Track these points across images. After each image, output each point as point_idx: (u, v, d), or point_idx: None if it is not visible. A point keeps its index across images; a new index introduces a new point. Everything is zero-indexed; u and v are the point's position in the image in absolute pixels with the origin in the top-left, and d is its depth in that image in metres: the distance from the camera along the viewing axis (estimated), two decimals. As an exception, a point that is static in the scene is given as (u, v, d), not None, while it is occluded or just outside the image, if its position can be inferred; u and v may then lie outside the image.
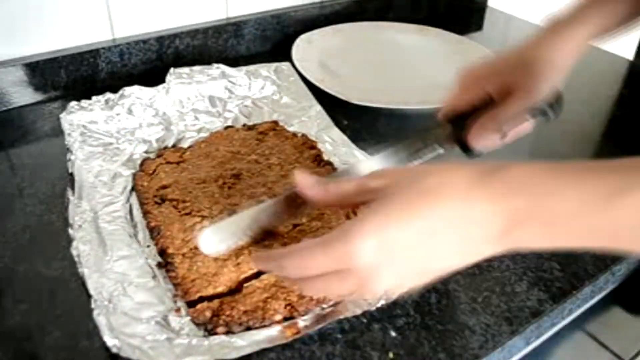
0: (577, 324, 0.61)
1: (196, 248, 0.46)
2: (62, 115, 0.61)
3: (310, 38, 0.84)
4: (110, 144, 0.59)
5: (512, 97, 0.49)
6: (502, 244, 0.34)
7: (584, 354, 0.66)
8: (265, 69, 0.73)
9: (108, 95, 0.63)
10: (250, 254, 0.46)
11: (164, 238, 0.47)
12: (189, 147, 0.60)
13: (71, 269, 0.45)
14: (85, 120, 0.61)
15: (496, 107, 0.49)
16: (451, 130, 0.49)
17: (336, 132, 0.63)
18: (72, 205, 0.50)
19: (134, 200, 0.53)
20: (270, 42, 0.86)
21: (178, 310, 0.42)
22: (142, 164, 0.57)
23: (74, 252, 0.45)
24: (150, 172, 0.56)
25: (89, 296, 0.41)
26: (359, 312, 0.42)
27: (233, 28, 0.82)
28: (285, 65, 0.75)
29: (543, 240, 0.33)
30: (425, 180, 0.35)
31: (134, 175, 0.55)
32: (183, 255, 0.46)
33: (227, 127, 0.64)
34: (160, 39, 0.76)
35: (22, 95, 0.69)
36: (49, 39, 0.70)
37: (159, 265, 0.46)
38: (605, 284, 0.51)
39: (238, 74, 0.71)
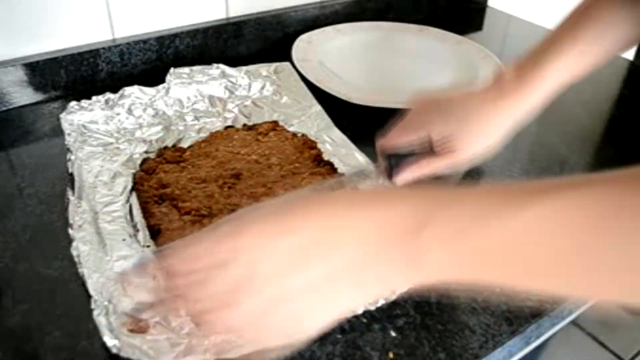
0: (577, 324, 0.61)
1: None
2: (62, 115, 0.61)
3: (310, 38, 0.84)
4: (110, 143, 0.59)
5: (449, 153, 0.51)
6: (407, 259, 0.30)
7: (584, 354, 0.66)
8: (265, 69, 0.73)
9: (108, 95, 0.63)
10: None
11: (163, 238, 0.47)
12: (189, 147, 0.60)
13: (71, 269, 0.45)
14: (85, 120, 0.61)
15: (431, 156, 0.52)
16: (385, 167, 0.53)
17: (336, 132, 0.63)
18: (72, 205, 0.50)
19: (133, 200, 0.53)
20: (270, 42, 0.86)
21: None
22: (142, 164, 0.57)
23: (74, 253, 0.45)
24: (150, 172, 0.56)
25: (89, 296, 0.41)
26: (359, 311, 0.42)
27: (233, 28, 0.82)
28: (285, 65, 0.75)
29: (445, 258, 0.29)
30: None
31: (134, 175, 0.55)
32: None
33: (227, 127, 0.64)
34: (160, 39, 0.76)
35: (22, 95, 0.69)
36: (49, 39, 0.70)
37: None
38: (605, 284, 0.51)
39: (238, 74, 0.71)
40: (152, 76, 0.69)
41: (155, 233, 0.48)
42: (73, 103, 0.62)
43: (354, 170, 0.54)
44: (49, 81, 0.70)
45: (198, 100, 0.67)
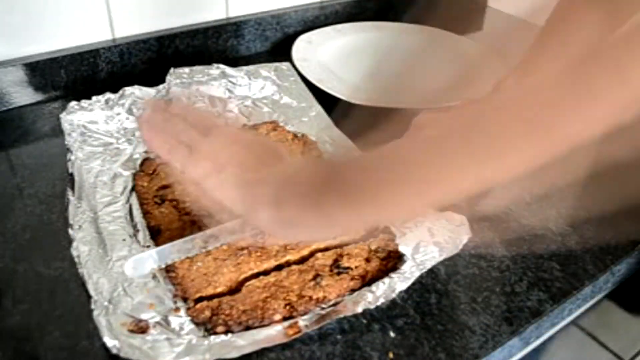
0: (577, 324, 0.61)
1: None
2: (62, 115, 0.61)
3: (310, 38, 0.84)
4: (110, 144, 0.59)
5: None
6: None
7: (584, 354, 0.66)
8: (265, 69, 0.73)
9: (108, 95, 0.63)
10: (250, 254, 0.46)
11: (163, 238, 0.47)
12: None
13: (71, 269, 0.45)
14: (86, 120, 0.61)
15: None
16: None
17: (336, 132, 0.63)
18: (72, 205, 0.50)
19: (134, 200, 0.53)
20: (270, 42, 0.86)
21: (178, 310, 0.42)
22: (142, 164, 0.57)
23: (74, 253, 0.45)
24: (150, 172, 0.55)
25: (89, 297, 0.41)
26: (359, 310, 0.42)
27: (233, 28, 0.82)
28: (285, 65, 0.75)
29: None
30: None
31: (134, 175, 0.55)
32: None
33: None
34: (160, 39, 0.76)
35: (22, 95, 0.69)
36: (49, 39, 0.70)
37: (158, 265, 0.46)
38: (605, 284, 0.51)
39: (238, 74, 0.71)
40: (152, 76, 0.69)
41: (155, 233, 0.48)
42: (73, 103, 0.62)
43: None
44: (49, 81, 0.70)
45: (198, 100, 0.67)
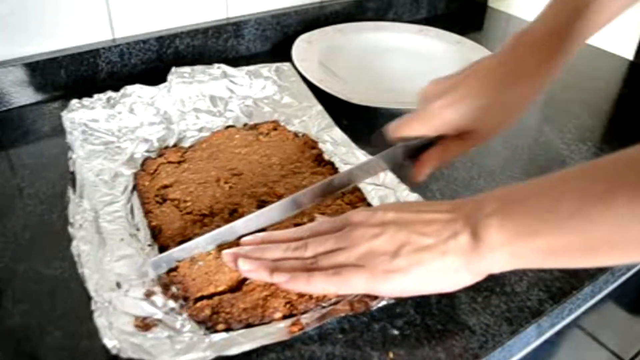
0: (577, 324, 0.61)
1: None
2: (64, 113, 0.61)
3: (310, 38, 0.84)
4: (112, 142, 0.59)
5: (467, 139, 0.49)
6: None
7: (584, 354, 0.66)
8: (266, 69, 0.73)
9: (110, 93, 0.63)
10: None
11: (164, 237, 0.47)
12: (190, 146, 0.60)
13: (71, 269, 0.45)
14: (87, 119, 0.61)
15: (448, 143, 0.50)
16: (402, 154, 0.51)
17: (337, 132, 0.63)
18: (72, 203, 0.50)
19: (135, 199, 0.53)
20: (270, 42, 0.86)
21: (179, 308, 0.42)
22: (143, 164, 0.57)
23: (74, 252, 0.45)
24: (152, 171, 0.56)
25: (89, 297, 0.41)
26: (360, 309, 0.42)
27: (233, 28, 0.82)
28: (286, 65, 0.75)
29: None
30: None
31: (135, 174, 0.55)
32: None
33: (228, 127, 0.64)
34: (160, 39, 0.76)
35: (22, 95, 0.69)
36: (49, 39, 0.70)
37: None
38: (605, 284, 0.51)
39: (239, 73, 0.71)
40: (152, 76, 0.69)
41: (156, 233, 0.48)
42: (74, 101, 0.62)
43: (360, 164, 0.53)
44: (49, 81, 0.70)
45: (199, 99, 0.67)
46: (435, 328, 0.42)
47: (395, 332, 0.42)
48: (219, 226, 0.48)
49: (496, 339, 0.42)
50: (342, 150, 0.60)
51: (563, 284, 0.47)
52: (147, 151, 0.59)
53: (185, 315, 0.41)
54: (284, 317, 0.42)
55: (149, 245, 0.48)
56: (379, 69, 0.81)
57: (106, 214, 0.50)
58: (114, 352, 0.37)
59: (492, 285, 0.46)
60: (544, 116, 0.72)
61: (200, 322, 0.41)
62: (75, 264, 0.45)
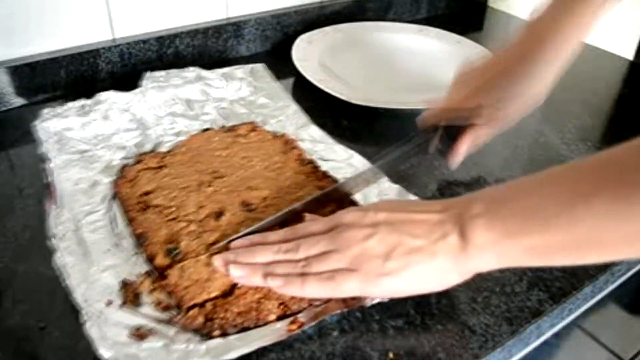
0: (577, 324, 0.61)
1: (186, 254, 0.46)
2: (37, 123, 0.59)
3: (310, 38, 0.84)
4: (87, 150, 0.58)
5: (496, 120, 0.53)
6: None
7: (584, 354, 0.66)
8: (240, 71, 0.73)
9: (83, 101, 0.62)
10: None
11: (152, 245, 0.47)
12: (169, 151, 0.59)
13: (71, 269, 0.45)
14: (61, 127, 0.60)
15: (477, 129, 0.53)
16: (442, 136, 0.52)
17: (314, 130, 0.63)
18: (52, 215, 0.49)
19: (115, 208, 0.52)
20: (270, 42, 0.86)
21: (171, 318, 0.41)
22: (122, 171, 0.56)
23: (58, 263, 0.44)
24: (132, 178, 0.54)
25: (77, 310, 0.41)
26: (356, 305, 0.42)
27: (233, 28, 0.82)
28: (260, 66, 0.75)
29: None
30: None
31: (114, 182, 0.54)
32: (172, 261, 0.45)
33: (205, 130, 0.63)
34: (160, 39, 0.76)
35: (22, 95, 0.69)
36: (49, 39, 0.70)
37: (147, 273, 0.45)
38: (605, 284, 0.51)
39: (214, 76, 0.70)
40: (152, 76, 0.69)
41: (142, 241, 0.47)
42: (47, 110, 0.61)
43: (355, 175, 0.54)
44: (49, 81, 0.70)
45: (175, 103, 0.66)
46: (435, 328, 0.42)
47: (395, 332, 0.42)
48: (206, 231, 0.48)
49: (496, 339, 0.42)
50: (321, 147, 0.60)
51: (563, 284, 0.47)
52: (125, 158, 0.58)
53: (179, 325, 0.41)
54: (279, 319, 0.41)
55: (135, 253, 0.47)
56: (379, 69, 0.81)
57: (88, 224, 0.49)
58: None
59: (492, 285, 0.46)
60: (544, 116, 0.72)
61: (195, 331, 0.40)
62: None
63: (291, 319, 0.41)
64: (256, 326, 0.41)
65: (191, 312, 0.41)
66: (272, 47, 0.87)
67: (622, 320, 0.68)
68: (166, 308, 0.42)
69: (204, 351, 0.38)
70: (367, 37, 0.88)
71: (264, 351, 0.40)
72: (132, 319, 0.41)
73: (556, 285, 0.47)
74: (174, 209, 0.50)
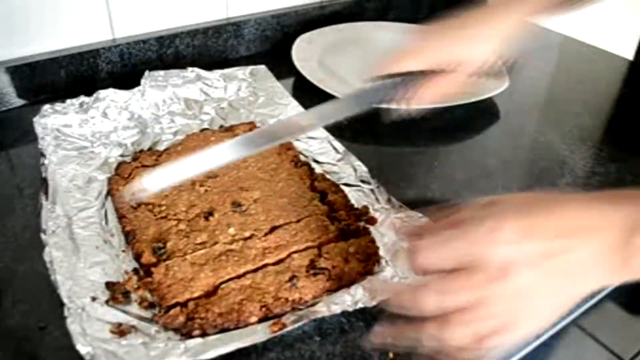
0: (577, 324, 0.61)
1: (172, 252, 0.46)
2: (36, 119, 0.60)
3: (310, 38, 0.84)
4: (85, 147, 0.58)
5: (455, 72, 0.52)
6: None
7: (584, 354, 0.66)
8: (241, 72, 0.73)
9: (82, 98, 0.63)
10: (228, 260, 0.45)
11: (139, 242, 0.47)
12: (165, 150, 0.59)
13: (71, 269, 0.45)
14: (60, 124, 0.60)
15: (439, 78, 0.52)
16: (399, 86, 0.53)
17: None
18: (45, 210, 0.49)
19: (109, 205, 0.52)
20: (270, 42, 0.86)
21: (153, 316, 0.41)
22: (117, 168, 0.56)
23: (47, 258, 0.44)
24: (126, 176, 0.55)
25: (62, 304, 0.41)
26: (337, 311, 0.41)
27: (233, 28, 0.82)
28: (260, 67, 0.74)
29: None
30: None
31: (110, 179, 0.54)
32: (158, 260, 0.45)
33: (203, 130, 0.63)
34: (160, 39, 0.76)
35: (23, 95, 0.69)
36: (49, 39, 0.70)
37: (135, 271, 0.45)
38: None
39: (213, 76, 0.71)
40: (152, 76, 0.69)
41: (130, 238, 0.48)
42: (47, 106, 0.61)
43: (328, 103, 0.52)
44: (49, 81, 0.70)
45: (174, 102, 0.66)
46: (435, 328, 0.42)
47: (395, 332, 0.42)
48: (194, 230, 0.48)
49: (496, 339, 0.42)
50: (318, 148, 0.61)
51: (563, 284, 0.47)
52: (122, 155, 0.58)
53: (160, 323, 0.41)
54: (260, 321, 0.41)
55: (123, 251, 0.47)
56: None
57: (80, 220, 0.49)
58: (87, 358, 0.37)
59: (492, 285, 0.46)
60: (544, 116, 0.72)
61: (175, 330, 0.40)
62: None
63: (274, 320, 0.41)
64: (236, 327, 0.41)
65: (172, 311, 0.41)
66: (272, 47, 0.87)
67: (622, 320, 0.68)
68: (150, 306, 0.42)
69: (182, 350, 0.38)
70: (367, 37, 0.88)
71: (263, 350, 0.40)
72: (116, 315, 0.41)
73: (556, 285, 0.47)
74: (164, 207, 0.50)
